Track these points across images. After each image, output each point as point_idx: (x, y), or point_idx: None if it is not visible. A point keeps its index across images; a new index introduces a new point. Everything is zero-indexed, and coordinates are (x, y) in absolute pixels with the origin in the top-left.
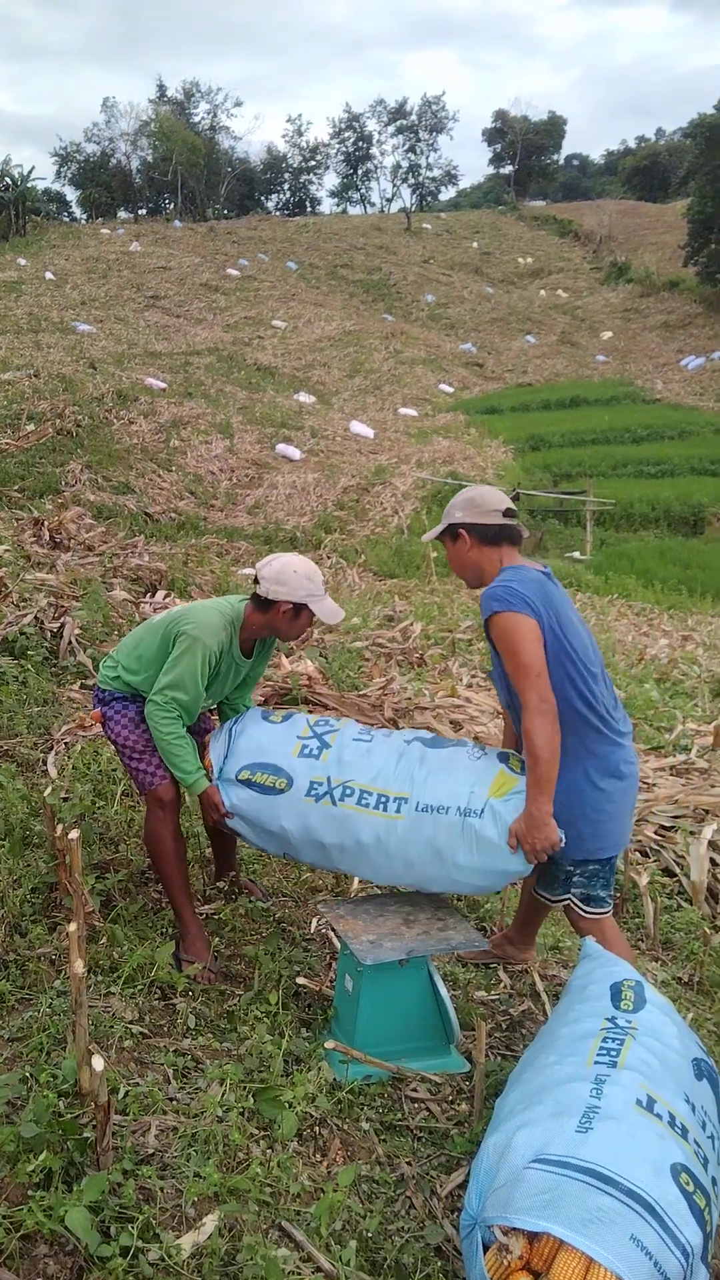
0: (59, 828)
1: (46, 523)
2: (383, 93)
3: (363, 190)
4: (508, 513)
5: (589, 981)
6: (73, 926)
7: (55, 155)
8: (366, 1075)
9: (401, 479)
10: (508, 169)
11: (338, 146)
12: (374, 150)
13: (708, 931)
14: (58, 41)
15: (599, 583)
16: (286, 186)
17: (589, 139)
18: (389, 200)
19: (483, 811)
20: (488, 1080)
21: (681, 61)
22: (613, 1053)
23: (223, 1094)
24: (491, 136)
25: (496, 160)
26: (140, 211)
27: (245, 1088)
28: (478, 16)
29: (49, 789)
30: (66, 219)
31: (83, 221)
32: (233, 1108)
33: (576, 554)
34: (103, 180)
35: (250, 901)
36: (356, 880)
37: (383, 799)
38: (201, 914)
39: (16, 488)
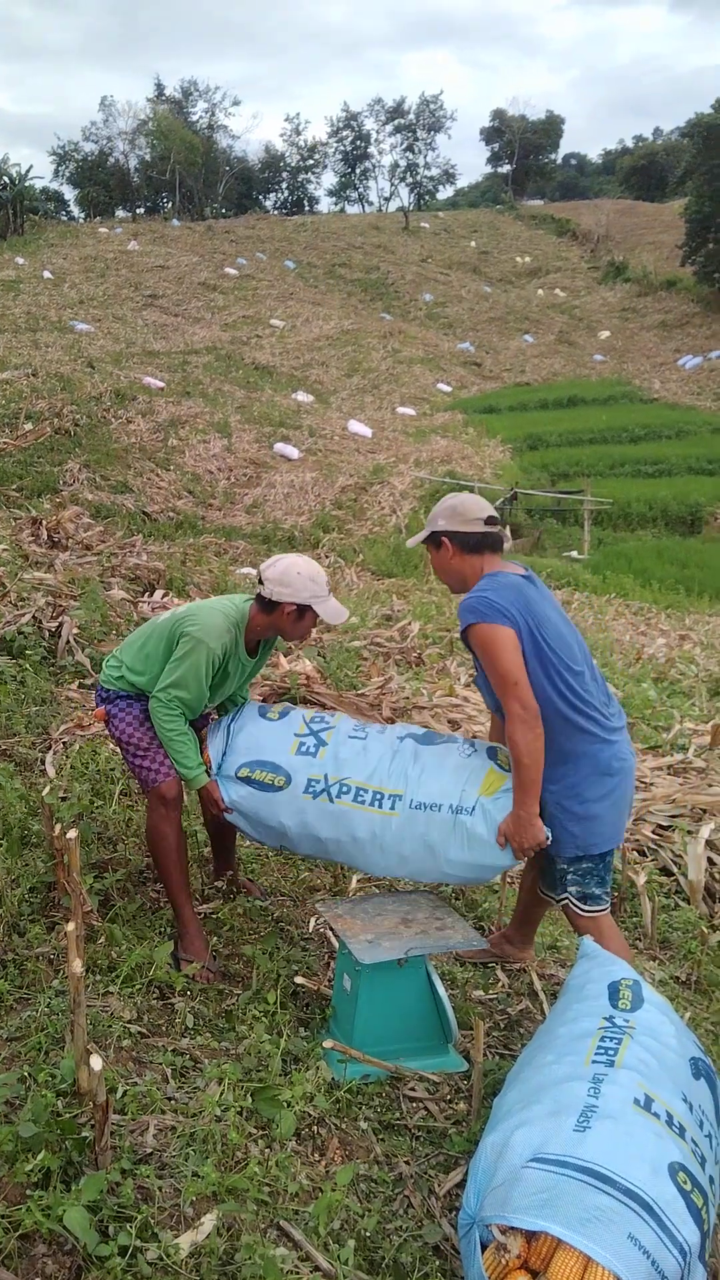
0: (57, 827)
1: (44, 522)
2: (381, 93)
3: (360, 189)
4: (489, 520)
5: (587, 981)
6: (71, 926)
7: (53, 154)
8: (365, 1074)
9: (399, 478)
10: (505, 168)
11: (336, 145)
12: (372, 149)
13: (705, 930)
14: (56, 41)
15: (597, 582)
16: (284, 185)
17: (587, 138)
18: (387, 199)
19: (474, 809)
20: (486, 1079)
21: (680, 61)
22: (610, 1052)
23: (221, 1093)
24: (489, 136)
25: (494, 159)
26: (138, 210)
27: (243, 1087)
28: (476, 16)
29: (47, 788)
30: (64, 218)
31: (81, 220)
32: (231, 1107)
33: (574, 553)
34: (101, 179)
35: (248, 901)
36: (355, 879)
37: (378, 796)
38: (200, 913)
39: (14, 487)
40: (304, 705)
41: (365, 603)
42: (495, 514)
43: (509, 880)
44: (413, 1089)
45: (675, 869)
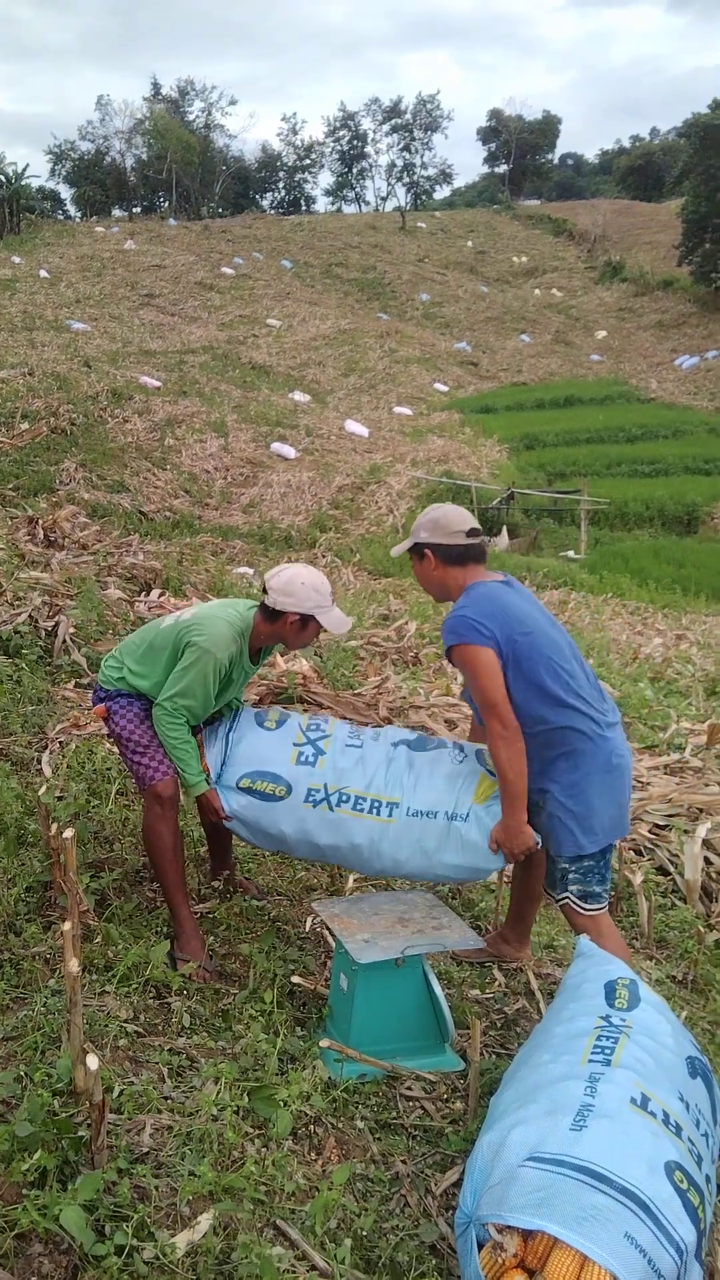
0: (53, 826)
1: (41, 521)
2: (379, 93)
3: (357, 189)
4: (472, 533)
5: (583, 980)
6: (67, 925)
7: (50, 153)
8: (361, 1074)
9: (396, 478)
10: (502, 168)
11: (332, 145)
12: (369, 149)
13: (702, 930)
14: (55, 41)
15: (593, 582)
16: (281, 185)
17: (583, 138)
18: (384, 199)
19: (468, 816)
20: (482, 1079)
21: (676, 62)
22: (607, 1051)
23: (218, 1092)
24: (486, 136)
25: (491, 159)
26: (135, 210)
27: (240, 1086)
28: (474, 17)
29: (44, 788)
30: (61, 217)
31: (77, 219)
32: (227, 1106)
33: (571, 553)
34: (97, 178)
35: (245, 900)
36: (351, 879)
37: (376, 804)
38: (196, 912)
39: (11, 486)
40: (300, 705)
41: (362, 602)
42: (477, 526)
43: (506, 879)
44: (409, 1088)
45: (672, 868)
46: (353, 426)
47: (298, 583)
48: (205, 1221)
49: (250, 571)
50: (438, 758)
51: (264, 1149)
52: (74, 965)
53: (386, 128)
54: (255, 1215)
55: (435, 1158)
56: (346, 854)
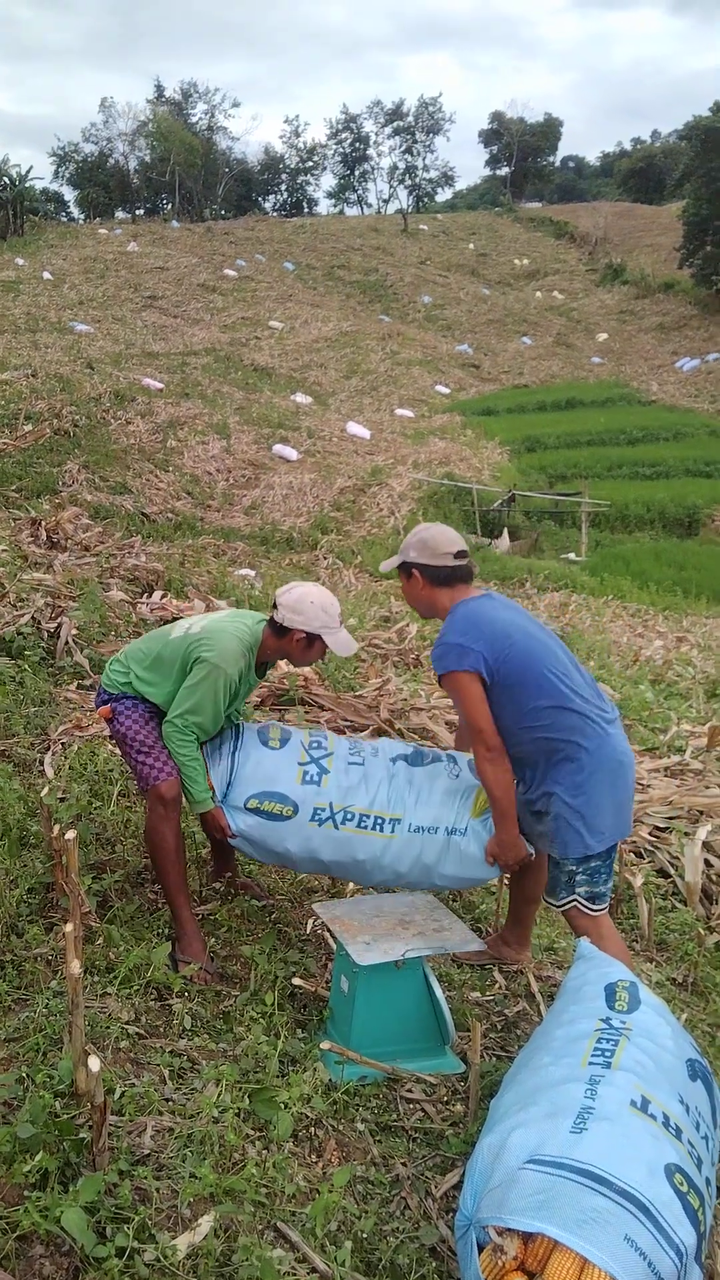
0: (55, 828)
1: (43, 523)
2: (380, 95)
3: (359, 191)
4: (459, 555)
5: (584, 982)
6: (69, 927)
7: (53, 155)
8: (362, 1076)
9: (398, 480)
10: (504, 171)
11: (335, 147)
12: (371, 151)
13: (702, 932)
14: (55, 42)
15: (594, 584)
16: (284, 187)
17: (585, 141)
18: (386, 201)
19: (465, 831)
20: (483, 1081)
21: (677, 64)
22: (607, 1054)
23: (218, 1095)
24: (488, 138)
25: (493, 162)
26: (138, 212)
27: (241, 1088)
28: (475, 19)
29: (46, 789)
30: (64, 219)
31: (80, 221)
32: (228, 1108)
33: (572, 555)
34: (100, 180)
35: (246, 901)
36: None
37: (379, 821)
38: (198, 914)
39: (14, 488)
40: (302, 707)
41: (363, 604)
42: (465, 548)
43: (505, 882)
44: (410, 1090)
45: (672, 871)
46: (354, 428)
47: (307, 601)
48: (206, 1223)
49: (252, 573)
50: (434, 772)
51: (265, 1151)
52: (76, 967)
53: (388, 130)
54: (256, 1217)
55: (435, 1160)
56: (349, 868)
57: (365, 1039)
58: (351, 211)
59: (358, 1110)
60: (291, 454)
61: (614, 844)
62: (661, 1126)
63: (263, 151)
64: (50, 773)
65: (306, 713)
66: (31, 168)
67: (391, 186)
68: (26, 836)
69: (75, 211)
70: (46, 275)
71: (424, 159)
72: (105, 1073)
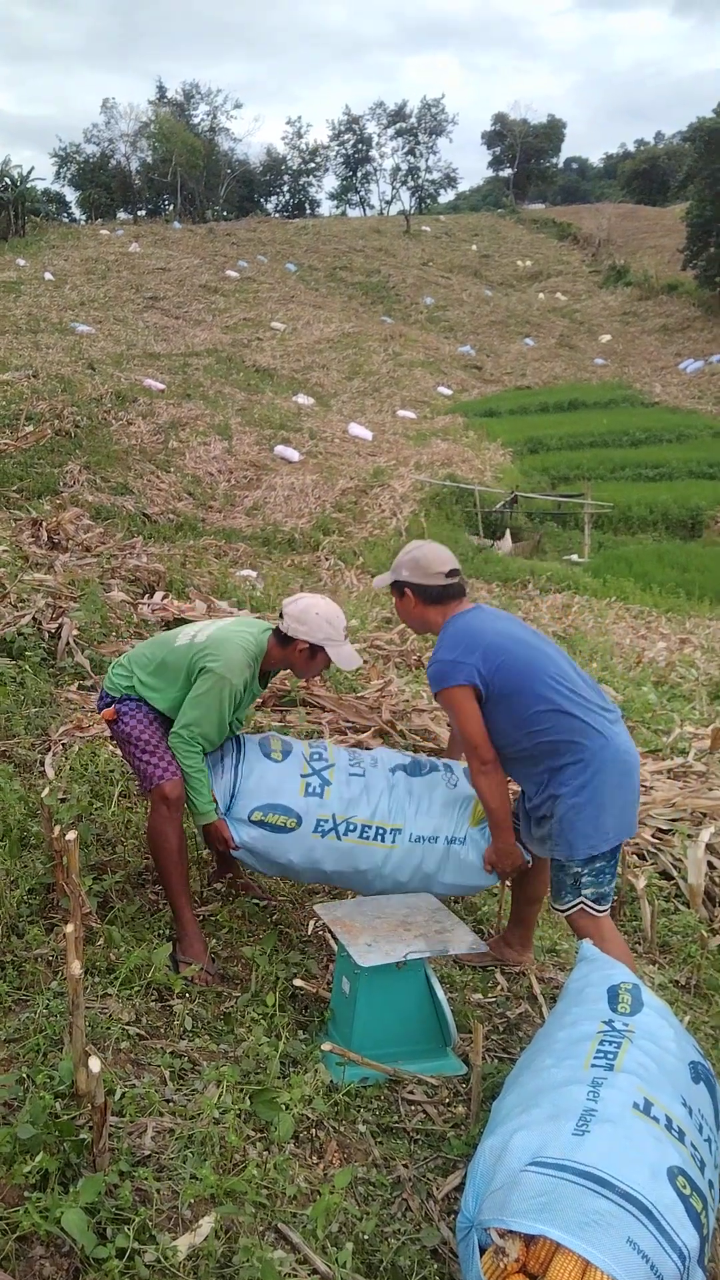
0: (56, 829)
1: (45, 523)
2: (382, 96)
3: (362, 193)
4: (451, 573)
5: (586, 984)
6: (70, 928)
7: (55, 156)
8: (363, 1077)
9: (400, 481)
10: (507, 172)
11: (337, 149)
12: (373, 153)
13: (705, 935)
14: (56, 42)
15: (597, 586)
16: (286, 188)
17: (588, 142)
18: (388, 203)
19: (464, 840)
20: (484, 1083)
21: (681, 65)
22: (610, 1056)
23: (219, 1096)
24: (491, 139)
25: (495, 163)
26: (139, 212)
27: (242, 1089)
28: (477, 20)
29: (46, 790)
30: (66, 220)
31: (82, 222)
32: (229, 1109)
33: (574, 557)
34: (102, 181)
35: (248, 902)
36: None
37: (380, 831)
38: (199, 915)
39: (15, 488)
40: (303, 708)
41: (365, 605)
42: (457, 567)
43: (507, 883)
44: (411, 1092)
45: (675, 873)
46: (356, 430)
47: (312, 613)
48: (207, 1225)
49: (253, 574)
50: (433, 782)
51: (266, 1152)
52: (76, 968)
53: (391, 131)
54: (257, 1219)
55: (437, 1162)
56: (351, 878)
57: (367, 1040)
58: (354, 213)
59: (359, 1112)
60: (293, 455)
61: (619, 844)
62: (664, 1129)
63: (265, 153)
64: (51, 773)
65: (308, 714)
66: (33, 168)
67: (394, 188)
68: (27, 837)
69: (77, 212)
70: (48, 276)
71: (426, 160)
72: (106, 1073)
